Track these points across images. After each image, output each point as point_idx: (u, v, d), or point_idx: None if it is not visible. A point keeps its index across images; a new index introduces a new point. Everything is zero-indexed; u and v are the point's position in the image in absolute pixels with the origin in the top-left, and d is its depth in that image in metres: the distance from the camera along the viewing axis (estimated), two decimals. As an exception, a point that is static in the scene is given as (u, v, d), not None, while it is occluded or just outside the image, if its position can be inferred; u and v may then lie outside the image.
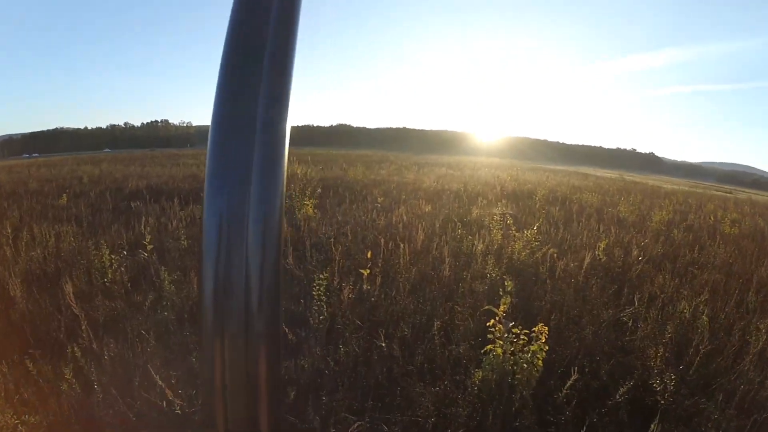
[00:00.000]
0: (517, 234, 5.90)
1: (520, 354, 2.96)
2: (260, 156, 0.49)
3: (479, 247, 5.70)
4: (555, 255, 5.66)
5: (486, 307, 3.39)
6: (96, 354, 3.40)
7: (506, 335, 3.00)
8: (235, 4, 0.51)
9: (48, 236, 6.30)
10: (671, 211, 11.27)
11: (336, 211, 8.57)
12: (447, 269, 4.80)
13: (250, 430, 0.50)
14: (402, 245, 5.26)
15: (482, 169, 23.79)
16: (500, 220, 6.61)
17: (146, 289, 4.55)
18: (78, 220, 7.91)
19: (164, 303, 4.18)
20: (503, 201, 11.04)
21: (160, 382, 2.70)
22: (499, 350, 2.98)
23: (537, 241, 5.83)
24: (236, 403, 0.49)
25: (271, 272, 0.49)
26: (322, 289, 3.70)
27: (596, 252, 5.91)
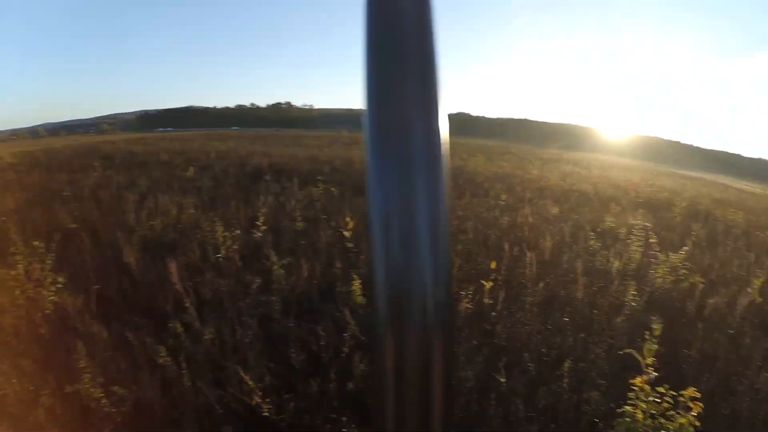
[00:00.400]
0: (661, 256, 4.98)
1: (661, 419, 2.34)
2: (420, 145, 0.41)
3: (615, 265, 4.94)
4: (703, 287, 4.70)
5: (627, 350, 2.76)
6: (196, 333, 3.33)
7: (650, 398, 2.39)
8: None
9: (170, 207, 6.59)
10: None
11: (455, 205, 8.00)
12: (580, 291, 4.15)
13: (422, 428, 0.44)
14: (528, 254, 4.68)
15: (611, 170, 21.67)
16: (640, 235, 5.67)
17: (256, 270, 4.48)
18: (200, 193, 8.28)
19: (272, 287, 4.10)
20: (639, 210, 9.76)
21: (249, 382, 2.50)
22: (640, 414, 2.38)
23: (685, 269, 4.89)
24: (409, 399, 0.44)
25: (443, 258, 0.42)
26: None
27: (750, 290, 4.80)
